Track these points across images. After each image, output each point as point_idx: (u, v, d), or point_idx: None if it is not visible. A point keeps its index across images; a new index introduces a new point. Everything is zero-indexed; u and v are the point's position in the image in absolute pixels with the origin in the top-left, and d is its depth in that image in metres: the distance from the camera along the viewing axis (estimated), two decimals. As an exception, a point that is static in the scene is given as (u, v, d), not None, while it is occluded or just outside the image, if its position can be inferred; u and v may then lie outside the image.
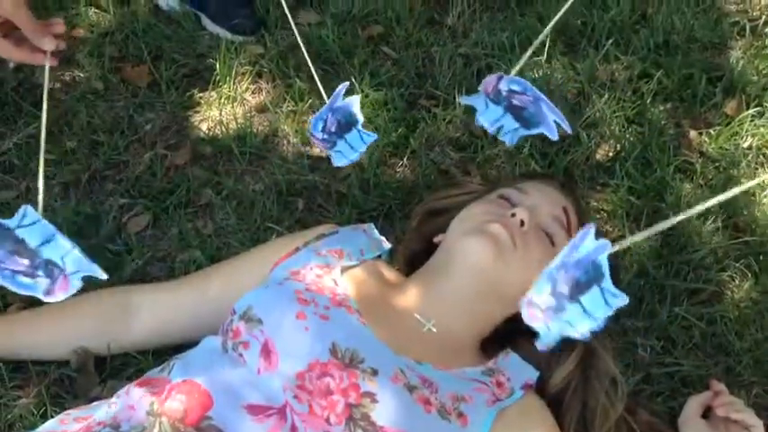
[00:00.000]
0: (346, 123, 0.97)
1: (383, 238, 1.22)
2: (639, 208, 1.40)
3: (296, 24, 1.68)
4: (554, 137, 0.85)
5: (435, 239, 1.18)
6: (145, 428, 0.89)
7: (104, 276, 0.72)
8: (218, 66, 1.58)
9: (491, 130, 0.92)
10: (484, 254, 1.04)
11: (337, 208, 1.38)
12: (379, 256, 1.20)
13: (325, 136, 0.97)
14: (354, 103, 0.95)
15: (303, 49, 0.99)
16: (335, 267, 1.08)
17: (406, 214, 1.37)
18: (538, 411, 1.03)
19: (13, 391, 1.12)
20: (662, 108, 1.58)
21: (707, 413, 1.12)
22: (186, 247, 1.32)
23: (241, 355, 0.96)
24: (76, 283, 0.73)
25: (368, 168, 1.42)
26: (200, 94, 1.56)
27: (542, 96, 0.89)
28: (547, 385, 1.09)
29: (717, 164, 1.50)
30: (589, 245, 0.64)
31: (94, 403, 1.04)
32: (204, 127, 1.51)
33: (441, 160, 1.48)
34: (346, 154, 0.96)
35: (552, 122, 0.89)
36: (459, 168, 1.48)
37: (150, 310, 1.17)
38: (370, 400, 0.91)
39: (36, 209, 0.76)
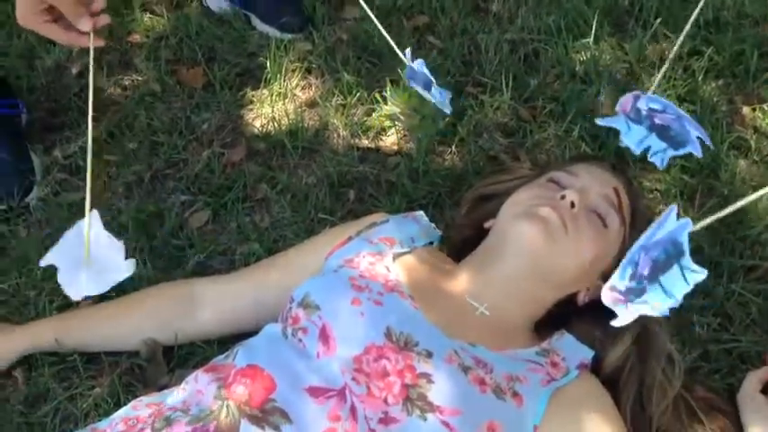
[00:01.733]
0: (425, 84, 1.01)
1: (433, 226, 1.25)
2: (693, 186, 1.39)
3: (341, 20, 1.71)
4: (700, 155, 0.84)
5: (486, 225, 1.20)
6: (213, 411, 0.93)
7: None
8: (268, 64, 1.62)
9: (637, 151, 0.90)
10: (535, 237, 1.06)
11: (387, 197, 1.40)
12: (431, 243, 1.22)
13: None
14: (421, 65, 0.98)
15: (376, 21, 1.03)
16: (387, 255, 1.11)
17: (456, 201, 1.39)
18: (594, 390, 1.04)
19: (88, 381, 1.18)
20: (713, 85, 1.56)
21: (766, 388, 1.12)
22: (245, 240, 1.37)
23: (300, 340, 0.99)
24: None
25: (416, 157, 1.45)
26: (253, 93, 1.61)
27: (684, 114, 0.88)
28: (602, 365, 1.10)
29: (772, 139, 1.48)
30: (671, 225, 0.65)
31: (165, 390, 1.09)
32: (258, 124, 1.56)
33: (489, 147, 1.50)
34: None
35: (696, 139, 0.88)
36: (509, 154, 1.49)
37: (214, 301, 1.22)
38: (426, 380, 0.93)
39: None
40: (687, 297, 1.22)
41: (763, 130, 1.49)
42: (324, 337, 0.98)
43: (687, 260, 0.64)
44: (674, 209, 0.67)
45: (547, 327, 1.13)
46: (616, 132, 1.48)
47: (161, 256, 1.36)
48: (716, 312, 1.23)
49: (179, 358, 1.22)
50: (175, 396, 1.00)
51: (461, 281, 1.11)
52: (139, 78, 1.64)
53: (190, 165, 1.49)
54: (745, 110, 1.52)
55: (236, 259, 1.35)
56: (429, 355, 0.96)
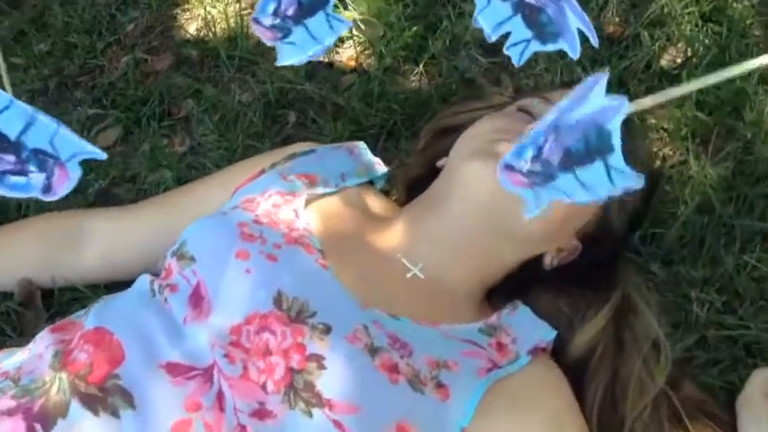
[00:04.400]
0: (311, 5, 0.73)
1: (377, 161, 1.00)
2: (709, 126, 1.11)
3: None
4: (575, 54, 0.60)
5: (438, 163, 0.95)
6: (45, 383, 0.73)
7: (104, 156, 0.55)
8: (211, -45, 1.35)
9: (491, 35, 0.64)
10: (489, 180, 0.81)
11: (333, 123, 1.15)
12: (371, 183, 0.98)
13: (276, 21, 0.73)
14: None
15: None
16: (301, 195, 0.87)
17: (415, 132, 1.14)
18: (548, 383, 0.82)
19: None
20: (746, 3, 1.26)
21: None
22: (157, 167, 1.14)
23: (167, 300, 0.77)
24: (76, 172, 0.56)
25: (374, 76, 1.19)
26: (191, -11, 1.35)
27: None
28: (567, 349, 0.87)
29: (814, 72, 1.19)
30: (597, 101, 0.45)
31: (12, 348, 0.88)
32: (191, 28, 1.30)
33: (465, 67, 1.23)
34: (302, 46, 0.72)
35: (575, 32, 0.62)
36: (488, 78, 1.22)
37: (103, 238, 1.00)
38: (317, 365, 0.71)
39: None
40: (687, 266, 0.98)
41: (804, 62, 1.19)
42: (196, 297, 0.76)
43: (617, 159, 0.45)
44: (603, 78, 0.44)
45: (502, 297, 0.90)
46: (621, 54, 1.21)
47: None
48: (721, 288, 0.98)
49: (60, 305, 1.02)
50: (15, 358, 0.80)
51: (395, 233, 0.87)
52: (60, -33, 1.38)
53: (107, 72, 1.25)
54: (785, 35, 1.23)
55: (146, 188, 1.13)
56: (327, 330, 0.73)
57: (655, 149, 1.11)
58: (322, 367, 0.71)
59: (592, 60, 1.20)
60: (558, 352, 0.86)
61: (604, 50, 1.20)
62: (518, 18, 0.63)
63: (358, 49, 1.25)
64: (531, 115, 0.90)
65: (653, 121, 1.14)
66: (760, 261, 0.98)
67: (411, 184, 1.01)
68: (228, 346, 0.73)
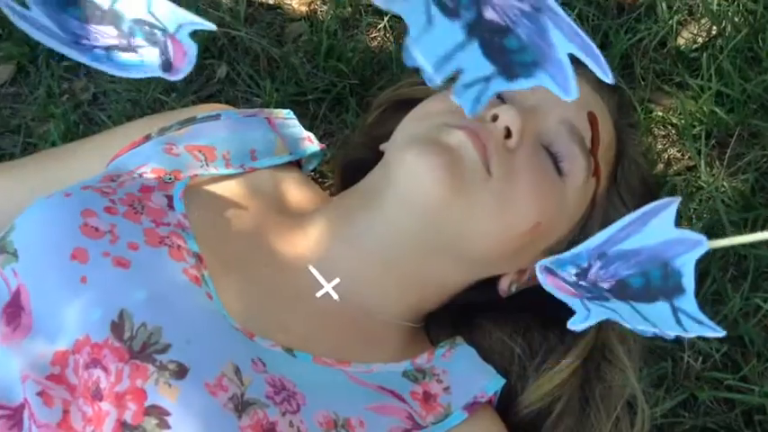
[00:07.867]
0: None
1: (307, 135, 0.80)
2: (729, 126, 0.90)
3: None
4: (567, 94, 0.36)
5: (382, 146, 0.74)
6: None
7: (212, 27, 0.40)
8: None
9: (437, 79, 0.39)
10: (429, 180, 0.61)
11: (270, 81, 0.94)
12: (298, 165, 0.78)
13: None
14: None
15: None
16: (185, 177, 0.66)
17: (369, 103, 0.93)
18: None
19: None
20: (793, -24, 1.04)
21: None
22: (49, 117, 0.93)
23: (-23, 301, 0.58)
24: (191, 46, 0.43)
25: (325, 26, 0.97)
26: None
27: (551, 3, 0.36)
28: (516, 404, 0.67)
29: None
30: (664, 231, 0.36)
31: None
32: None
33: (441, 26, 1.01)
34: None
35: (564, 60, 0.36)
36: (467, 41, 1.01)
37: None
38: (158, 422, 0.52)
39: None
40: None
41: None
42: (13, 309, 0.58)
43: (689, 304, 0.36)
44: (673, 204, 0.35)
45: (440, 324, 0.70)
46: (631, 27, 0.99)
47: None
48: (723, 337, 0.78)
49: None
50: None
51: (310, 235, 0.67)
52: None
53: (7, -5, 1.03)
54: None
55: (35, 143, 0.92)
56: (180, 372, 0.54)
57: (658, 149, 0.90)
58: (164, 426, 0.51)
59: (593, 29, 0.98)
60: (505, 407, 0.67)
61: (611, 19, 0.98)
62: (474, 46, 0.39)
63: (315, -9, 1.03)
64: (499, 97, 0.69)
65: (659, 113, 0.92)
66: (774, 304, 0.78)
67: (350, 170, 0.81)
68: (47, 381, 0.54)
